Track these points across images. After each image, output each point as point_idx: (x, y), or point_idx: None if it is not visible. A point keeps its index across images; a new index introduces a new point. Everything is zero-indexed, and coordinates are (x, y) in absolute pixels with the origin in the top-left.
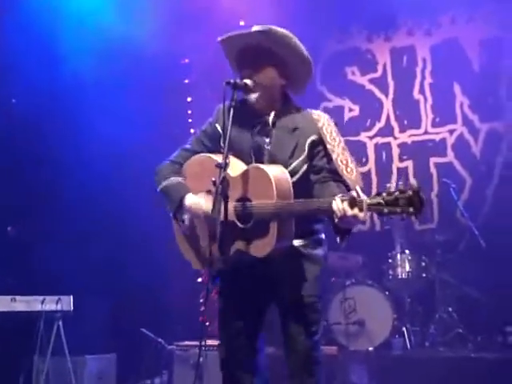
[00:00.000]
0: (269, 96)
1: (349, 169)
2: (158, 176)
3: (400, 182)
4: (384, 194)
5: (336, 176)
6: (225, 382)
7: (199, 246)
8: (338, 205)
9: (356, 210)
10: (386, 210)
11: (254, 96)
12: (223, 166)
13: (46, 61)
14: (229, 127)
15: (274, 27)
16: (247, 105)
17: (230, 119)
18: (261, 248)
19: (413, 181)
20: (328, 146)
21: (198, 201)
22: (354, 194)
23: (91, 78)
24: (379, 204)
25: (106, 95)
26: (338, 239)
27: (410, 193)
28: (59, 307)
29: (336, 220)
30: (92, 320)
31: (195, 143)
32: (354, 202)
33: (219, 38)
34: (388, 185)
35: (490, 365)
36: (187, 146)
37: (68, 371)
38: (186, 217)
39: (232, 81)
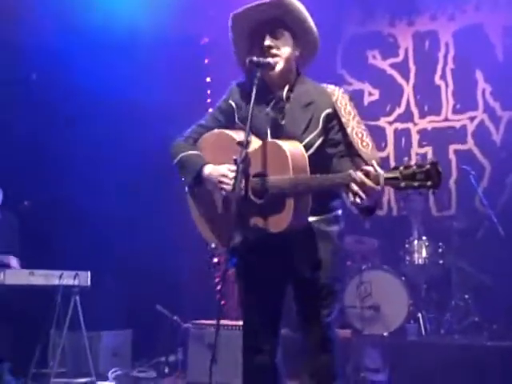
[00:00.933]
0: (288, 68)
1: (364, 143)
2: (173, 149)
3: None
4: (401, 168)
5: (352, 150)
6: (245, 360)
7: (216, 222)
8: (354, 175)
9: (372, 183)
10: (402, 184)
11: (277, 69)
12: (245, 144)
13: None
14: (251, 107)
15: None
16: (262, 80)
17: (253, 97)
18: (277, 223)
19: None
20: (343, 120)
21: (218, 169)
22: (370, 168)
23: (112, 62)
24: (396, 178)
25: (121, 76)
26: (361, 217)
27: (428, 166)
28: (77, 282)
29: (352, 195)
30: (108, 296)
31: (210, 119)
32: (369, 176)
33: (234, 13)
34: (405, 158)
35: (505, 353)
36: (202, 122)
37: (84, 346)
38: (207, 185)
39: (255, 59)
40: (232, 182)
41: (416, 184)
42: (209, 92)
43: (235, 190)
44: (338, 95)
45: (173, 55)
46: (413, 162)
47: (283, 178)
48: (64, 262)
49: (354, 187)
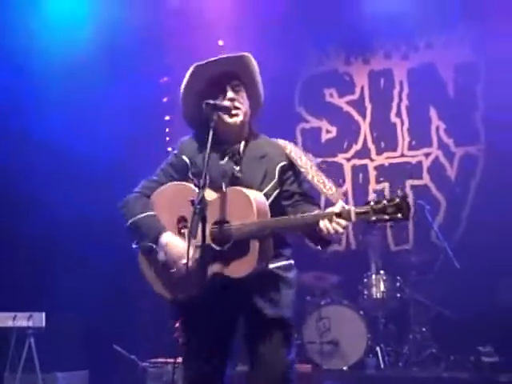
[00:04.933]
0: (245, 121)
1: (327, 186)
2: (126, 209)
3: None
4: (372, 203)
5: (308, 198)
6: None
7: (171, 277)
8: (327, 225)
9: (343, 221)
10: (373, 218)
11: (238, 119)
12: (202, 186)
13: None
14: (208, 148)
15: (248, 55)
16: (215, 134)
17: (210, 140)
18: (241, 268)
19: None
20: (301, 170)
21: (174, 241)
22: (338, 206)
23: (62, 95)
24: (367, 212)
25: (82, 113)
26: (318, 247)
27: (398, 200)
28: (31, 323)
29: (322, 232)
30: (64, 337)
31: (162, 174)
32: (340, 213)
33: (197, 64)
34: (373, 194)
35: None
36: (154, 178)
37: None
38: (161, 254)
39: (212, 102)
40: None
41: (387, 217)
42: (167, 130)
43: (191, 234)
44: (291, 148)
45: (132, 93)
46: (383, 197)
47: (249, 222)
48: (17, 303)
49: (326, 225)
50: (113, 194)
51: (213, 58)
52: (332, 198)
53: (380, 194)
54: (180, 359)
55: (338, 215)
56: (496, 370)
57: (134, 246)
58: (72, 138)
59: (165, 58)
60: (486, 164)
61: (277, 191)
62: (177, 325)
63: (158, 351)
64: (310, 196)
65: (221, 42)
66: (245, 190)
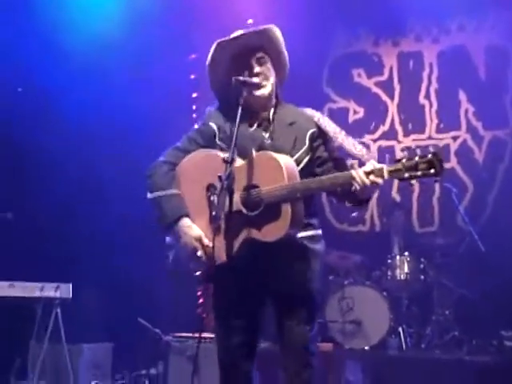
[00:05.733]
0: (273, 92)
1: (358, 148)
2: (151, 180)
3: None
4: (403, 160)
5: (340, 166)
6: (223, 379)
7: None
8: (359, 173)
9: (374, 177)
10: (406, 175)
11: (266, 91)
12: (230, 161)
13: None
14: (237, 124)
15: (271, 27)
16: (245, 102)
17: (238, 115)
18: (273, 232)
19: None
20: (330, 134)
21: (194, 233)
22: (370, 165)
23: (97, 72)
24: (399, 170)
25: (112, 90)
26: (354, 210)
27: (430, 156)
28: (58, 294)
29: (356, 189)
30: (89, 309)
31: (187, 142)
32: (372, 172)
33: (219, 41)
34: (405, 152)
35: (484, 368)
36: (179, 145)
37: (64, 358)
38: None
39: (242, 78)
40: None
41: (419, 173)
42: (194, 107)
43: (219, 209)
44: (319, 116)
45: (160, 69)
46: (414, 154)
47: (280, 185)
48: (45, 274)
49: (360, 176)
50: (139, 170)
51: (235, 35)
52: (362, 158)
53: (410, 151)
54: (204, 334)
55: (370, 173)
56: None
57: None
58: (97, 115)
59: (192, 36)
60: None
61: (308, 157)
62: (200, 300)
63: (182, 326)
64: (342, 162)
65: (250, 21)
66: (274, 154)
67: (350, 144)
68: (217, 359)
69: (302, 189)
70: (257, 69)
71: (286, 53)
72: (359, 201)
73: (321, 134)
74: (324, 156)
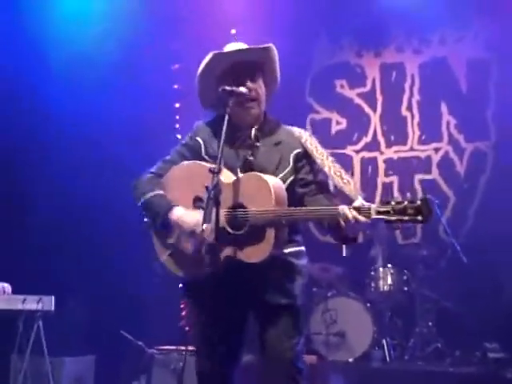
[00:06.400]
0: (261, 108)
1: (345, 180)
2: (137, 189)
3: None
4: (393, 203)
5: (324, 189)
6: None
7: (185, 256)
8: (346, 212)
9: (361, 216)
10: (393, 218)
11: (254, 111)
12: (217, 171)
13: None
14: (223, 133)
15: (272, 45)
16: (230, 119)
17: (225, 125)
18: (255, 254)
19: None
20: (317, 161)
21: (186, 213)
22: (358, 203)
23: (79, 82)
24: (387, 212)
25: (95, 100)
26: (343, 247)
27: (419, 202)
28: (40, 307)
29: (342, 226)
30: (71, 321)
31: (176, 155)
32: (359, 210)
33: (215, 52)
34: (396, 195)
35: (467, 380)
36: (167, 158)
37: (46, 372)
38: (172, 237)
39: (228, 88)
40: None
41: (406, 218)
42: (177, 117)
43: (205, 219)
44: (306, 137)
45: (142, 80)
46: (404, 198)
47: (266, 209)
48: (27, 287)
49: (345, 213)
50: (122, 179)
51: (235, 49)
52: (350, 193)
53: (388, 188)
54: (190, 347)
55: (357, 210)
56: (502, 365)
57: (145, 220)
58: (79, 124)
59: (176, 46)
60: (496, 160)
61: (291, 178)
62: (183, 313)
63: (166, 338)
64: (327, 188)
65: (233, 31)
66: (263, 175)
67: (337, 173)
68: None
69: (287, 217)
70: (249, 84)
71: (278, 72)
72: (344, 238)
73: (306, 155)
74: (308, 178)
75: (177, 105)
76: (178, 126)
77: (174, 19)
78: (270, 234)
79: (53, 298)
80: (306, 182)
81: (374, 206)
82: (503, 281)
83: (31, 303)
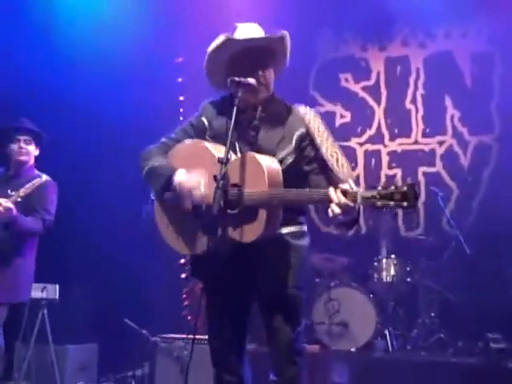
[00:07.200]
0: (268, 91)
1: (339, 162)
2: (142, 159)
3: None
4: (379, 188)
5: (326, 168)
6: (216, 377)
7: (184, 229)
8: (332, 194)
9: (349, 201)
10: (379, 203)
11: (261, 95)
12: (225, 162)
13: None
14: (231, 125)
15: (286, 34)
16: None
17: (233, 117)
18: (247, 234)
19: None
20: (317, 140)
21: (189, 175)
22: (346, 186)
23: (84, 76)
24: (373, 197)
25: (99, 93)
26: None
27: (405, 188)
28: (44, 295)
29: (330, 211)
30: (75, 310)
31: (180, 133)
32: (346, 193)
33: (229, 38)
34: (383, 181)
35: (470, 370)
36: (172, 135)
37: (50, 360)
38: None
39: (237, 79)
40: (202, 194)
41: (392, 204)
42: (181, 110)
43: (214, 206)
44: (310, 116)
45: (146, 73)
46: (391, 184)
47: (259, 191)
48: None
49: (332, 205)
50: (125, 173)
51: (250, 37)
52: (341, 176)
53: (392, 180)
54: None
55: (344, 193)
56: (504, 356)
57: (151, 197)
58: (85, 118)
59: (179, 39)
60: (500, 154)
61: (293, 157)
62: (186, 302)
63: (169, 327)
64: (330, 167)
65: (237, 24)
66: (259, 156)
67: (334, 156)
68: (206, 360)
69: (279, 198)
70: (260, 73)
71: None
72: (341, 224)
73: (309, 135)
74: (312, 155)
75: (181, 98)
76: (182, 118)
77: (178, 12)
78: (262, 215)
79: (57, 286)
80: (310, 158)
81: (360, 191)
82: (506, 272)
83: (36, 291)
